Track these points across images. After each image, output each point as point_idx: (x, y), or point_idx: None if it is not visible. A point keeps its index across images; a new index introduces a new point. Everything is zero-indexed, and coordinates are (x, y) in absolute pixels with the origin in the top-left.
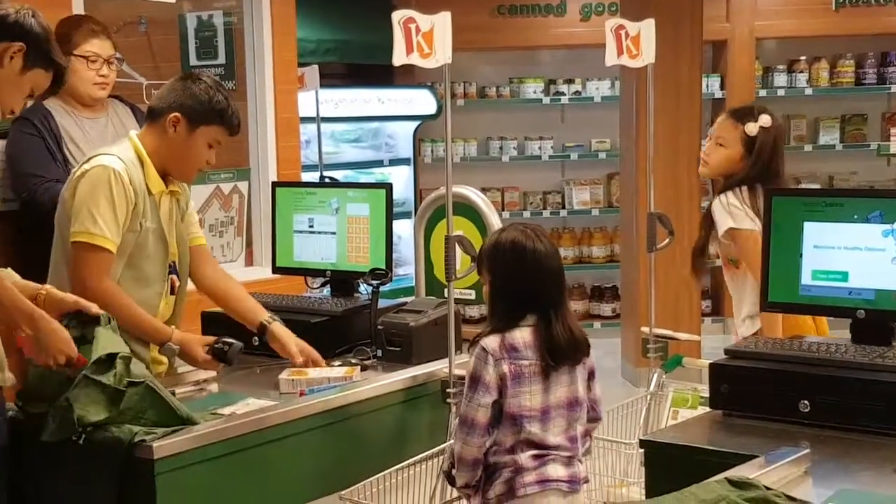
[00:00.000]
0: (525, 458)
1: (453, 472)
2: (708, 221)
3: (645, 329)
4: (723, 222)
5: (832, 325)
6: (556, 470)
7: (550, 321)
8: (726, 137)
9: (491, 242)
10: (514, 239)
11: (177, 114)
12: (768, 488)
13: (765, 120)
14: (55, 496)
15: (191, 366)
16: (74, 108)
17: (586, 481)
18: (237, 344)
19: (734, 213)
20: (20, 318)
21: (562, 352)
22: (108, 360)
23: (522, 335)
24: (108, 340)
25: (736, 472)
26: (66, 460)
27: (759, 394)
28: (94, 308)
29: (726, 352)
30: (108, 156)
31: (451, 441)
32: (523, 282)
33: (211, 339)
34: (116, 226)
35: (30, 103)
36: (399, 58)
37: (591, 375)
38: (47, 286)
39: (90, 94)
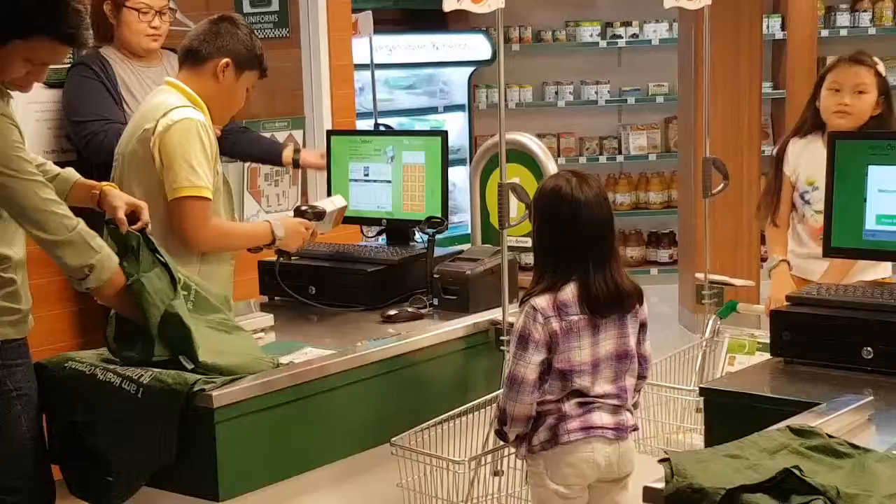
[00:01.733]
0: (570, 405)
1: (504, 428)
2: None
3: (699, 275)
4: None
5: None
6: (600, 417)
7: (589, 274)
8: (866, 83)
9: (536, 190)
10: (554, 186)
11: (227, 59)
12: (831, 436)
13: (879, 61)
14: (115, 444)
15: (290, 248)
16: (128, 58)
17: (635, 429)
18: (318, 205)
19: None
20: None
21: (602, 306)
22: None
23: (571, 290)
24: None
25: (797, 420)
26: (124, 410)
27: (820, 341)
28: (125, 229)
29: (788, 298)
30: (185, 108)
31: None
32: (560, 231)
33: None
34: (211, 174)
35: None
36: (449, 3)
37: (642, 328)
38: (103, 185)
39: (142, 46)
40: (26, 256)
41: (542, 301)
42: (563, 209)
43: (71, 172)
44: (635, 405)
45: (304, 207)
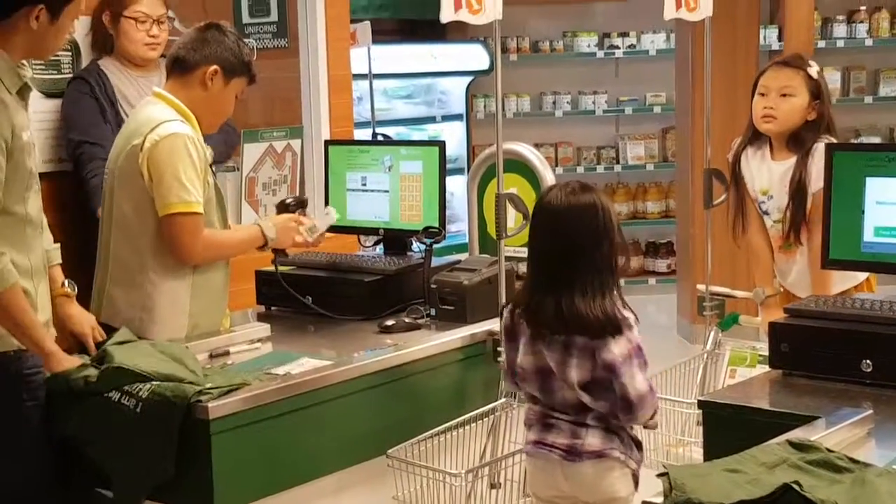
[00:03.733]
0: (532, 410)
1: None
2: (801, 181)
3: (701, 287)
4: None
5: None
6: (556, 437)
7: (541, 290)
8: (792, 86)
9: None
10: (544, 192)
11: (215, 66)
12: (830, 450)
13: (815, 64)
14: (114, 459)
15: (285, 245)
16: (128, 67)
17: (598, 456)
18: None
19: None
20: (35, 350)
21: (541, 324)
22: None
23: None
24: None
25: (797, 434)
26: (123, 425)
27: (819, 353)
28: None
29: (786, 310)
30: (172, 122)
31: (503, 401)
32: (531, 235)
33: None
34: (201, 187)
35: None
36: (447, 14)
37: (608, 368)
38: (59, 294)
39: (140, 55)
40: (45, 264)
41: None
42: (538, 215)
43: (54, 255)
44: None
45: (287, 200)
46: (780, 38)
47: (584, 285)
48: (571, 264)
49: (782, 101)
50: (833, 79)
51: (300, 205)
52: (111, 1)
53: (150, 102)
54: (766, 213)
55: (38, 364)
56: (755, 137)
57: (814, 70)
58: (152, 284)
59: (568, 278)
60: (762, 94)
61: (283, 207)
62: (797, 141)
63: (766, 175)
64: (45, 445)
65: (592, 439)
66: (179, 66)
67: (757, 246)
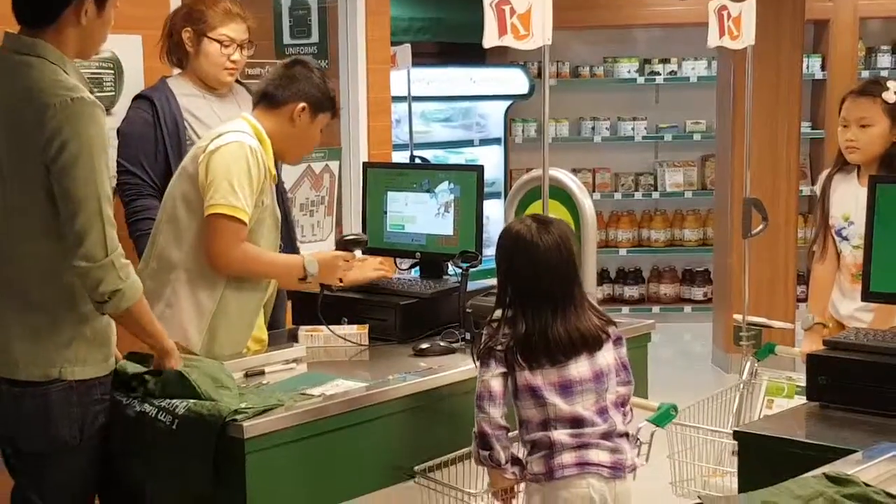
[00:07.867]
0: (560, 435)
1: (483, 452)
2: None
3: (738, 316)
4: None
5: None
6: (597, 455)
7: (548, 320)
8: (869, 115)
9: (501, 232)
10: (515, 232)
11: (304, 104)
12: (867, 485)
13: (893, 85)
14: (150, 475)
15: (328, 281)
16: (200, 88)
17: (633, 469)
18: (361, 235)
19: None
20: (156, 349)
21: (559, 353)
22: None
23: (527, 334)
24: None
25: (834, 468)
26: (160, 441)
27: (858, 386)
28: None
29: (825, 342)
30: (240, 133)
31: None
32: (519, 277)
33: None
34: (252, 200)
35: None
36: (490, 40)
37: (617, 342)
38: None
39: (219, 78)
40: None
41: (500, 325)
42: (523, 255)
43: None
44: (628, 422)
45: (347, 237)
46: (822, 67)
47: (582, 300)
48: (569, 288)
49: (861, 132)
50: None
51: (356, 244)
52: (195, 18)
53: (233, 121)
54: (845, 238)
55: (102, 393)
56: (844, 164)
57: (890, 93)
58: (180, 282)
59: (569, 301)
60: (844, 126)
61: (341, 244)
62: (887, 164)
63: (853, 200)
64: (91, 469)
65: (629, 454)
66: (267, 101)
67: (821, 275)
